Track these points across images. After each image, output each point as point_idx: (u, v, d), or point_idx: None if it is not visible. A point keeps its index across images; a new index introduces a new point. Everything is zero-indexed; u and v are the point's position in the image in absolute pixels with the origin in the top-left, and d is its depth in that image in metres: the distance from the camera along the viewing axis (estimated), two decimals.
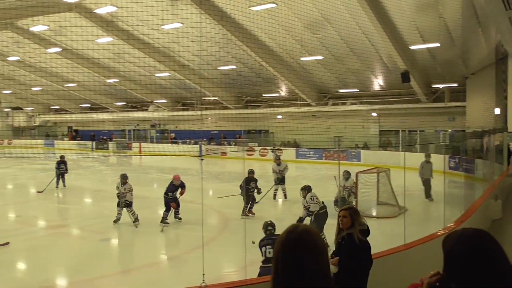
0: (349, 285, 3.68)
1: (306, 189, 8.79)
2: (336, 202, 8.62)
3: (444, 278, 1.62)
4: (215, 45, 20.87)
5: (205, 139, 32.37)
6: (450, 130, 23.30)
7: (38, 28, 21.51)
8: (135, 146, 34.24)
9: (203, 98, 29.96)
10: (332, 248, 4.03)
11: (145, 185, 17.52)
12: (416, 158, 14.25)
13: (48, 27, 21.25)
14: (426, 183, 12.80)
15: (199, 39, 19.84)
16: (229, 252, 8.27)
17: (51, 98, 38.02)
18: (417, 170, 12.87)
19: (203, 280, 4.00)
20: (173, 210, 10.40)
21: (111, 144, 36.01)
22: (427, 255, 4.42)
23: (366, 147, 24.01)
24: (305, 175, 20.70)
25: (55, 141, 39.27)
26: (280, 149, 24.21)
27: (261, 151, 26.75)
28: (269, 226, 6.20)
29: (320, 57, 20.86)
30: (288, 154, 24.23)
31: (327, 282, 1.54)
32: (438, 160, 13.36)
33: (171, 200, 10.40)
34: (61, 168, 15.95)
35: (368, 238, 3.88)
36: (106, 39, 22.35)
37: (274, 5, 15.85)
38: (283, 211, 12.71)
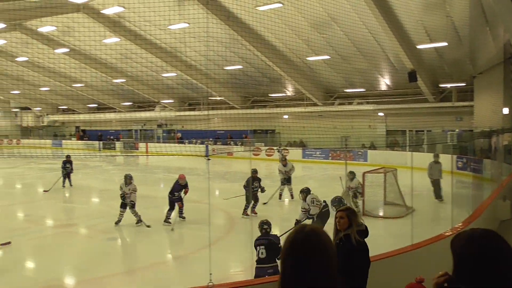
0: (347, 286, 3.65)
1: (305, 192, 8.75)
2: (333, 202, 8.39)
3: (452, 278, 1.61)
4: (222, 45, 20.90)
5: (211, 139, 32.43)
6: (457, 130, 23.09)
7: (46, 28, 21.70)
8: (141, 146, 34.40)
9: (210, 98, 29.97)
10: None
11: (152, 184, 17.62)
12: (423, 158, 14.17)
13: (56, 28, 21.44)
14: (436, 184, 12.62)
15: (205, 39, 19.89)
16: (236, 251, 8.29)
17: (59, 98, 38.31)
18: (425, 170, 12.75)
19: (210, 280, 4.00)
20: (178, 209, 10.43)
21: (118, 144, 36.20)
22: (435, 256, 4.38)
23: (373, 147, 23.91)
24: (311, 175, 20.67)
25: (63, 141, 39.56)
26: (286, 149, 24.17)
27: (267, 151, 26.74)
28: (264, 225, 6.18)
29: (327, 57, 20.81)
30: (294, 154, 24.20)
31: (335, 282, 1.53)
32: (446, 160, 13.27)
33: (177, 200, 10.43)
34: (67, 168, 16.07)
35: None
36: (113, 40, 22.47)
37: (281, 5, 15.84)
38: (289, 211, 12.69)
